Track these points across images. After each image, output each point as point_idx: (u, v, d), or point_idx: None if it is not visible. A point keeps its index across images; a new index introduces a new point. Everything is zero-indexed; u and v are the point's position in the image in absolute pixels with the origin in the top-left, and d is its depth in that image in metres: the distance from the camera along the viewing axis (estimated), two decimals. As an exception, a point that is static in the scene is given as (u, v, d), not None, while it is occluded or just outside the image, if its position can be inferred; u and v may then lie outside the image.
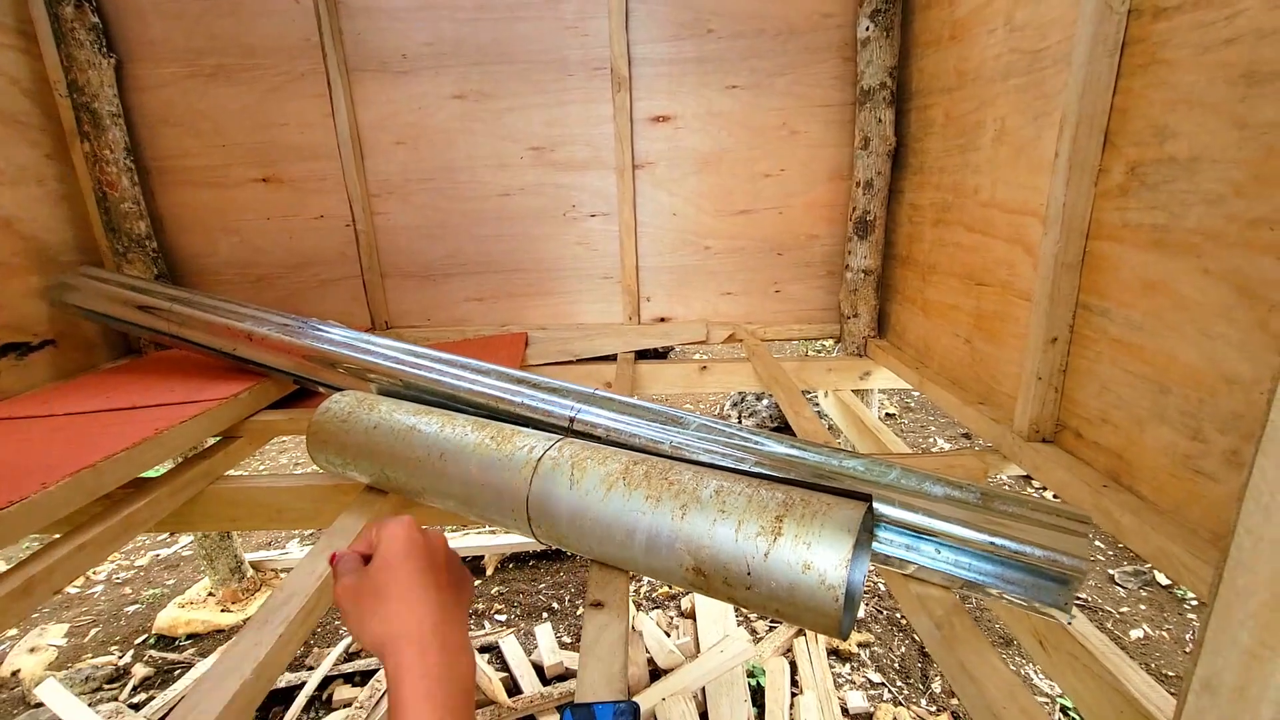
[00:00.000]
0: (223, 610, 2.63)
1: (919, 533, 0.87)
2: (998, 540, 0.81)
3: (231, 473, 1.49)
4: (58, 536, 1.13)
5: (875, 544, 0.90)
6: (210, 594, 2.70)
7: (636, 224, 2.22)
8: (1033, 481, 3.04)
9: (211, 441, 1.51)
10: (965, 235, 1.67)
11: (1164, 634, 2.39)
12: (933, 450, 3.41)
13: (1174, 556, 0.96)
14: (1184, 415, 1.01)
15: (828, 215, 2.21)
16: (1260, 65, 0.87)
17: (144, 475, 1.30)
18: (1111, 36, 1.11)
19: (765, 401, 3.67)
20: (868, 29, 1.95)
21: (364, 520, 1.11)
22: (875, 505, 0.87)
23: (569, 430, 1.11)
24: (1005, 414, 1.46)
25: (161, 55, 2.07)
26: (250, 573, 2.77)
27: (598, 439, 1.09)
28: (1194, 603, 2.58)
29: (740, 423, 4.11)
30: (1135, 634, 2.40)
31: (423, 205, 2.22)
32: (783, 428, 3.78)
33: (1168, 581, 2.69)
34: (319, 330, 1.59)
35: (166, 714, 2.22)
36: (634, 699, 0.70)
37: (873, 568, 1.16)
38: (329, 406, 1.18)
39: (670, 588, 2.63)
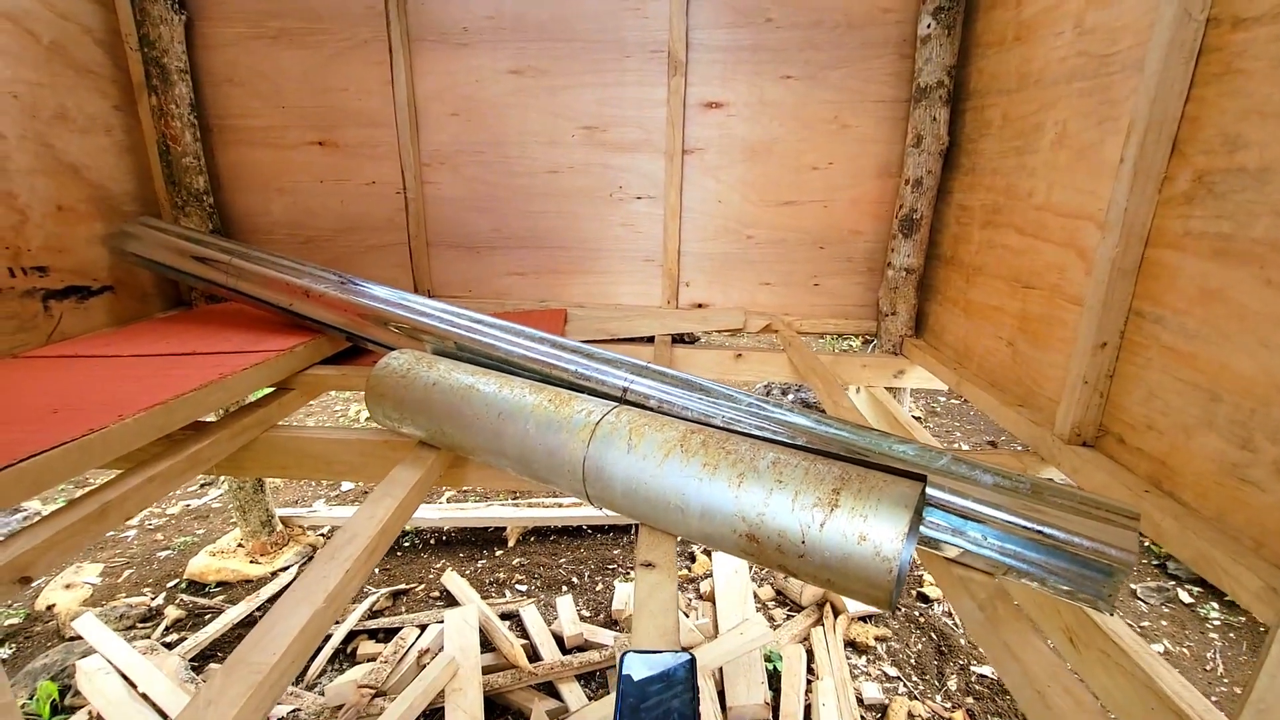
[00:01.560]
0: (251, 561, 2.71)
1: (966, 517, 0.89)
2: (1046, 529, 0.83)
3: (282, 423, 1.55)
4: (115, 474, 1.18)
5: (922, 527, 0.92)
6: (240, 545, 2.78)
7: (681, 209, 2.23)
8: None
9: (265, 392, 1.56)
10: (1015, 238, 1.67)
11: (1185, 650, 2.39)
12: (955, 456, 3.42)
13: (1215, 562, 0.97)
14: (1234, 424, 1.02)
15: (873, 211, 2.21)
16: (1345, 78, 0.87)
17: (200, 420, 1.36)
18: (1188, 43, 1.10)
19: (790, 397, 3.68)
20: (929, 26, 1.94)
21: (418, 474, 1.15)
22: (926, 488, 0.89)
23: (622, 400, 1.14)
24: (1046, 417, 1.47)
25: (229, 14, 2.12)
26: (279, 527, 2.85)
27: (650, 410, 1.12)
28: (1216, 621, 2.57)
29: (763, 415, 4.13)
30: (1156, 648, 2.39)
31: (472, 177, 2.25)
32: (806, 423, 3.80)
33: (1190, 600, 2.67)
34: (372, 290, 1.63)
35: (198, 654, 2.30)
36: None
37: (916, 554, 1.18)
38: (389, 362, 1.22)
39: (690, 570, 2.67)
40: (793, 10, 2.06)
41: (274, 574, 2.73)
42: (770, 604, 2.53)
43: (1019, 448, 1.50)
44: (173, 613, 2.51)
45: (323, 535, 3.02)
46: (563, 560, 2.81)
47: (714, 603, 2.42)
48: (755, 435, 0.99)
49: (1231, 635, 2.48)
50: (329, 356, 1.69)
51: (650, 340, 2.25)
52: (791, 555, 0.81)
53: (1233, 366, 1.02)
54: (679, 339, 2.31)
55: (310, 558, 2.90)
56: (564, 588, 2.58)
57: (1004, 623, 0.82)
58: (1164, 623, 2.54)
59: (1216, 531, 1.01)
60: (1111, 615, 0.85)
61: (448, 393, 1.14)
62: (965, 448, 3.79)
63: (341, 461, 1.45)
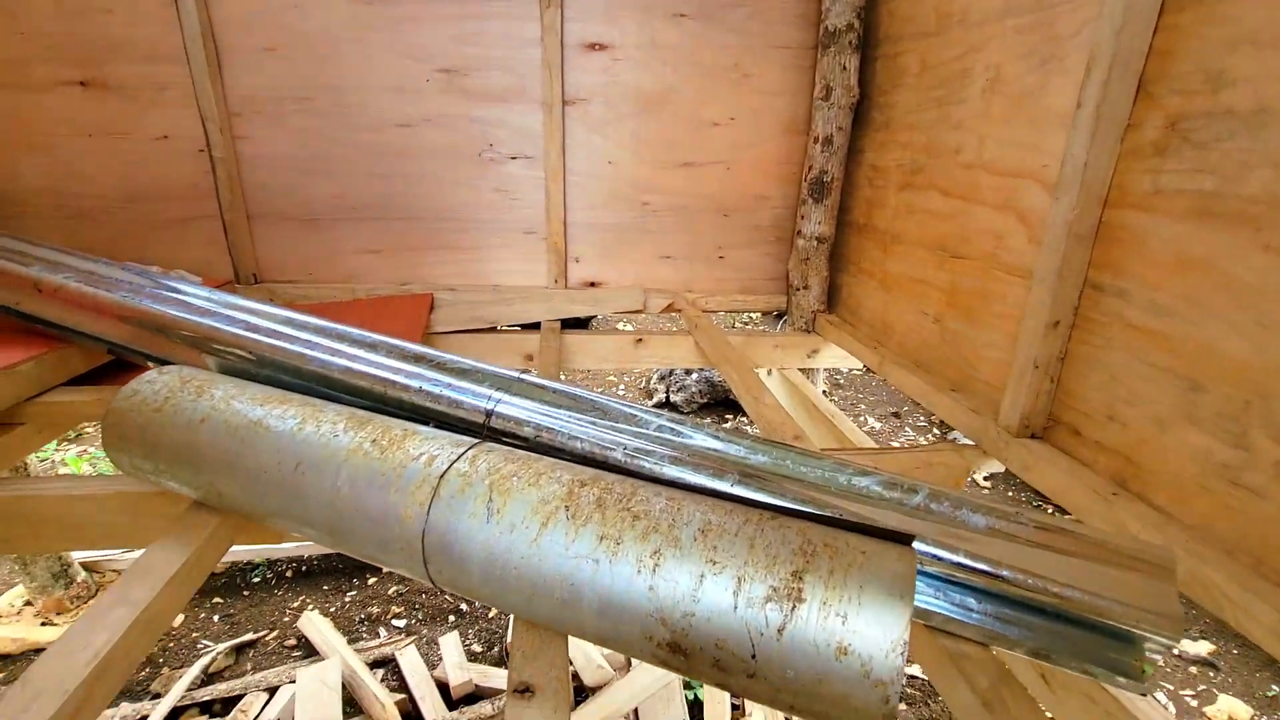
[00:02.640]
0: (43, 623, 2.15)
1: (954, 583, 0.66)
2: (1068, 592, 0.61)
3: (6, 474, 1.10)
4: None
5: (897, 590, 0.68)
6: (28, 603, 2.20)
7: (565, 171, 1.90)
8: (982, 482, 2.98)
9: (-21, 430, 1.10)
10: (940, 201, 1.49)
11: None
12: (865, 430, 3.35)
13: (1215, 587, 0.81)
14: (1222, 418, 0.86)
15: (780, 173, 1.98)
16: (1375, -9, 0.70)
17: None
18: (1160, -40, 0.91)
19: (694, 375, 3.49)
20: (836, -40, 1.71)
21: (186, 552, 0.79)
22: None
23: (485, 430, 0.83)
24: (986, 404, 1.31)
25: (-81, -102, 1.52)
26: (82, 575, 2.28)
27: (524, 441, 0.81)
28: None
29: (668, 398, 3.91)
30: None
31: (301, 131, 1.80)
32: (713, 403, 3.61)
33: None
34: (152, 282, 1.20)
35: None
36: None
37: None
38: (138, 388, 0.83)
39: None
40: (685, -64, 1.76)
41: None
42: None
43: (969, 440, 1.33)
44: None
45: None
46: (450, 580, 2.45)
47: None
48: (667, 479, 0.71)
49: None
50: (81, 375, 1.24)
51: (536, 327, 1.93)
52: (737, 674, 0.55)
53: (1220, 350, 0.86)
54: (570, 324, 2.00)
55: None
56: (450, 618, 2.24)
57: (1018, 726, 0.60)
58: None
59: (1205, 544, 0.86)
60: (1144, 694, 0.65)
61: (223, 432, 0.77)
62: (873, 421, 3.77)
63: (98, 524, 1.03)
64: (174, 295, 1.15)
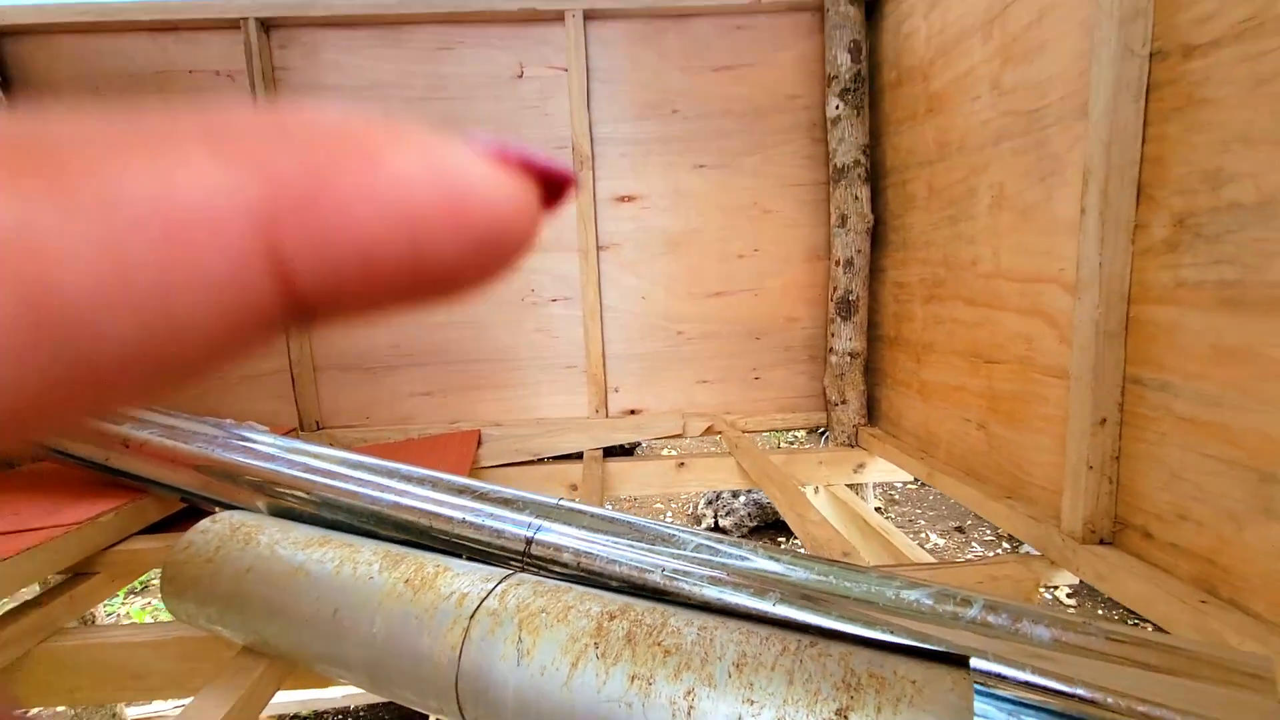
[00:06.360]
0: (90, 790, 2.09)
1: (1026, 700, 0.61)
2: (1159, 711, 0.56)
3: (72, 625, 1.14)
4: None
5: None
6: (77, 768, 2.16)
7: (602, 308, 2.02)
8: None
9: (55, 581, 1.16)
10: (965, 310, 1.52)
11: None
12: (927, 548, 3.17)
13: (1340, 705, 0.72)
14: (1303, 510, 0.81)
15: (807, 296, 2.06)
16: (1341, 90, 0.75)
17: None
18: (1135, 81, 0.99)
19: (742, 499, 3.40)
20: (837, 108, 1.89)
21: (234, 697, 0.79)
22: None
23: (524, 558, 0.84)
24: (1045, 511, 1.24)
25: None
26: (132, 735, 2.24)
27: (564, 568, 0.81)
28: None
29: (716, 523, 3.81)
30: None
31: (362, 290, 1.98)
32: (762, 527, 3.49)
33: None
34: (225, 432, 1.29)
35: None
36: None
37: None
38: (192, 539, 0.88)
39: None
40: (699, 101, 1.99)
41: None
42: None
43: (1034, 551, 1.26)
44: None
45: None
46: None
47: None
48: (701, 603, 0.70)
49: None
50: (155, 523, 1.31)
51: (579, 457, 1.96)
52: (790, 817, 0.51)
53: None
54: (612, 452, 2.02)
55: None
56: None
57: None
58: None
59: (1319, 656, 0.77)
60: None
61: (267, 581, 0.80)
62: (934, 537, 3.55)
63: (158, 672, 1.05)
64: (242, 443, 1.24)
